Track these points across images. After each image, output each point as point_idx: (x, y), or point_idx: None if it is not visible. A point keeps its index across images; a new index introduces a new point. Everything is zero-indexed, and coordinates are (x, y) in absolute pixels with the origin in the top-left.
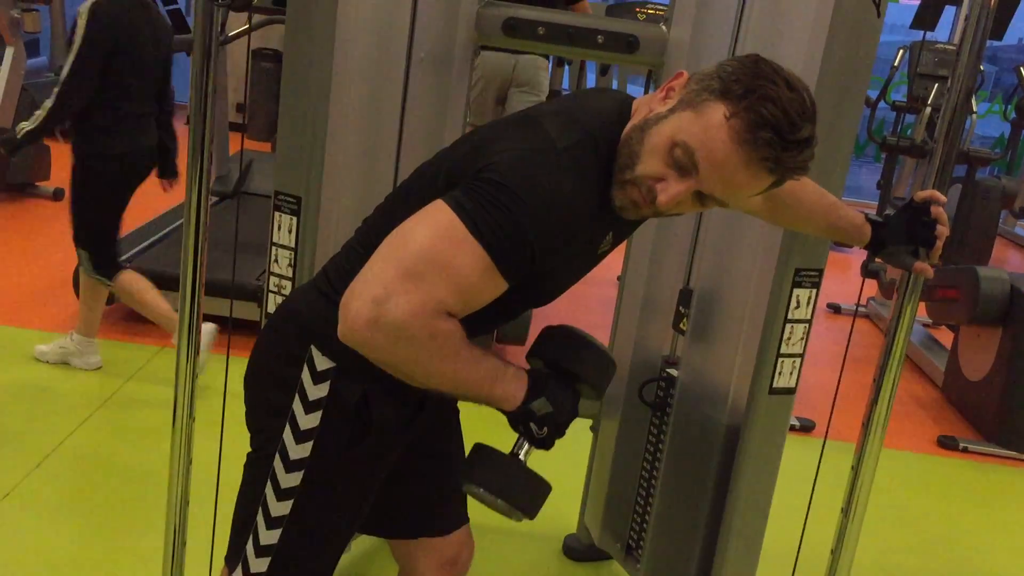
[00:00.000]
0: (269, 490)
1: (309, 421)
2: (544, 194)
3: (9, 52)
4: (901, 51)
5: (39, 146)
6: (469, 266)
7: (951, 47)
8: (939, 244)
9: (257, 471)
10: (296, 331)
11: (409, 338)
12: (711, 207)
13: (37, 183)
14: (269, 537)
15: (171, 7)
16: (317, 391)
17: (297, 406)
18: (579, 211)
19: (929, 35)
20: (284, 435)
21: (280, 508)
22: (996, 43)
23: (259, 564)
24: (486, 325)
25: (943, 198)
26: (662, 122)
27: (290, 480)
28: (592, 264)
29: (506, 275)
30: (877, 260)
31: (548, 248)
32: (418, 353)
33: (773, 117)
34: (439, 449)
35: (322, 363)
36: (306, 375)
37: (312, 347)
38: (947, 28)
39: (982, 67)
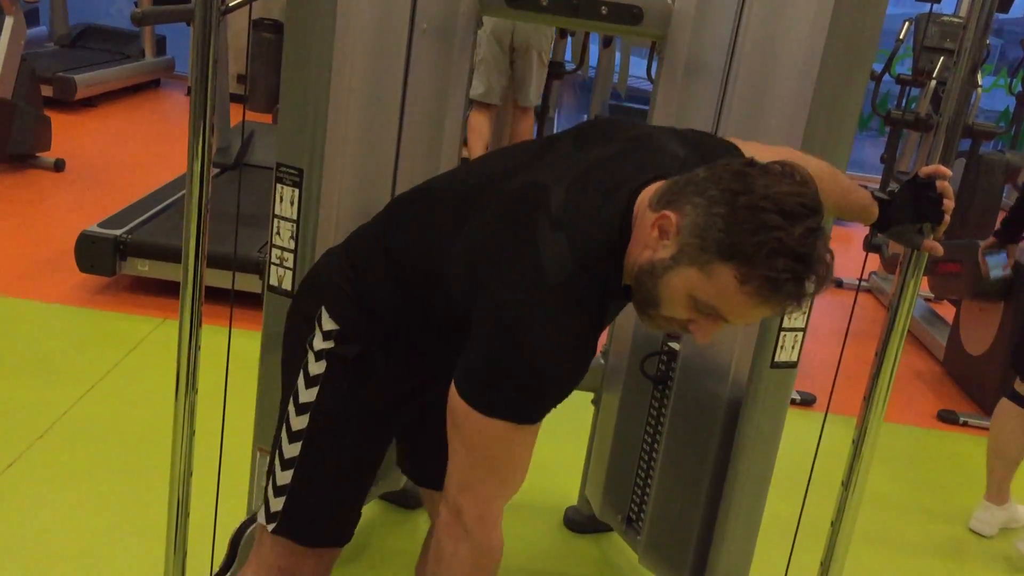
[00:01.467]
0: (283, 433)
1: (316, 368)
2: (539, 356)
3: (9, 22)
4: (907, 23)
5: (40, 117)
6: (509, 445)
7: (958, 20)
8: (947, 219)
9: (278, 418)
10: (313, 290)
11: (473, 538)
12: None
13: (38, 154)
14: (284, 478)
15: None
16: (323, 344)
17: (309, 354)
18: (586, 341)
19: (935, 7)
20: (298, 380)
21: (292, 450)
22: (1003, 16)
23: (276, 503)
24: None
25: (948, 172)
26: (669, 273)
27: (299, 423)
28: None
29: (539, 419)
30: (880, 235)
31: (570, 381)
32: (472, 560)
33: (787, 268)
34: None
35: (328, 324)
36: (316, 330)
37: (322, 307)
38: (953, 0)
39: (988, 40)
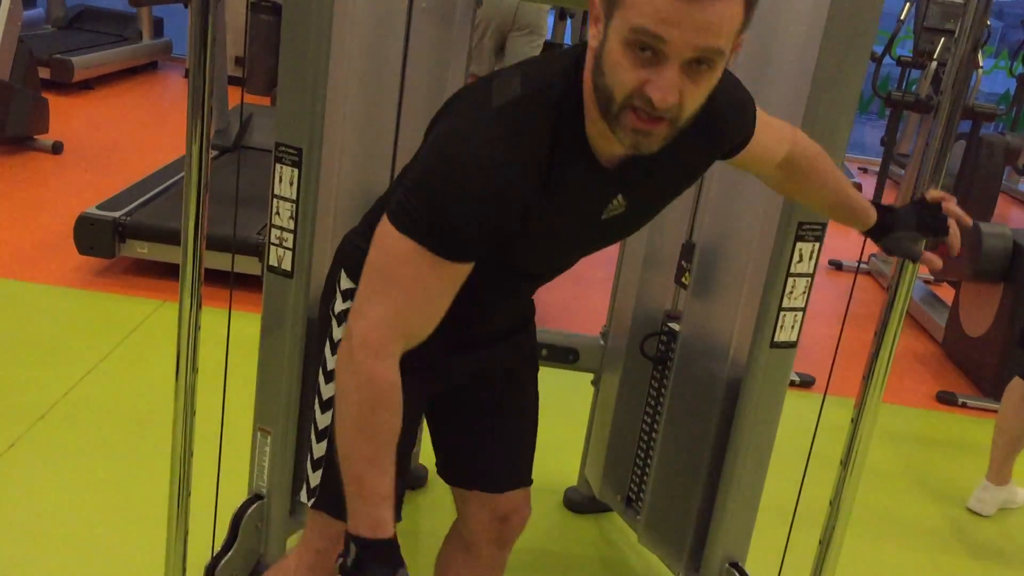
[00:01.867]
0: (316, 404)
1: (339, 333)
2: (461, 168)
3: (6, 3)
4: (907, 4)
5: (38, 99)
6: (412, 271)
7: (958, 0)
8: (955, 240)
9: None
10: (336, 259)
11: (350, 368)
12: (707, 73)
13: (36, 136)
14: (319, 450)
15: None
16: (343, 306)
17: (332, 321)
18: (521, 170)
19: None
20: (325, 348)
21: (324, 420)
22: None
23: (315, 477)
24: (494, 295)
25: (954, 199)
26: (606, 42)
27: (328, 391)
28: (603, 232)
29: (454, 257)
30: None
31: (486, 219)
32: (347, 392)
33: None
34: (500, 404)
35: (346, 283)
36: (336, 294)
37: (341, 269)
38: None
39: (989, 22)
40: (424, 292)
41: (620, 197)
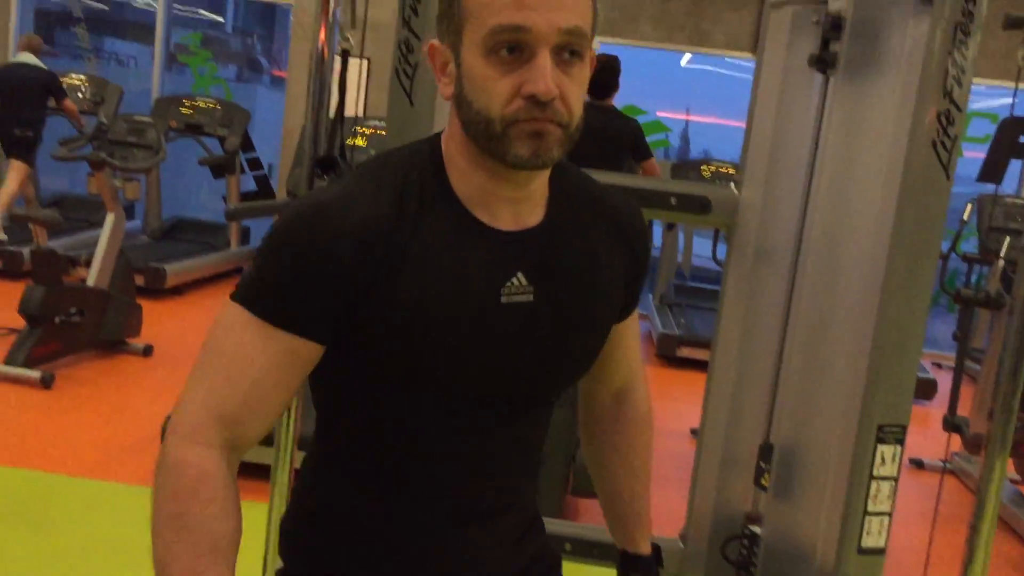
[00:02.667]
0: None
1: None
2: (294, 220)
3: (110, 218)
4: (969, 205)
5: (132, 305)
6: (234, 339)
7: (1020, 201)
8: None
9: None
10: None
11: (160, 459)
12: (578, 65)
13: (129, 340)
14: None
15: (258, 173)
16: None
17: None
18: (352, 224)
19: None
20: None
21: None
22: None
23: None
24: (442, 442)
25: None
26: (464, 69)
27: None
28: (516, 323)
29: (280, 322)
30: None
31: (316, 273)
32: (156, 488)
33: None
34: None
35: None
36: None
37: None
38: (1014, 180)
39: None
40: (244, 365)
41: (521, 276)
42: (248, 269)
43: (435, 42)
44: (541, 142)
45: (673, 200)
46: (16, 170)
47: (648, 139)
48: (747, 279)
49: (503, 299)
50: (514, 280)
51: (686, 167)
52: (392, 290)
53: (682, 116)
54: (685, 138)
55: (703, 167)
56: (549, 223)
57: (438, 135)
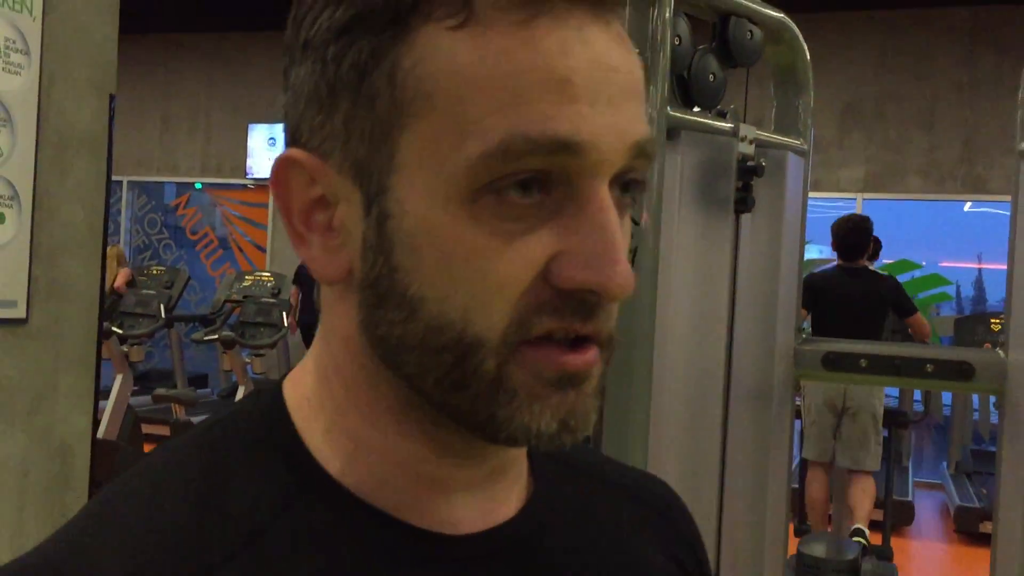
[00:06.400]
0: None
1: None
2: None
3: (119, 378)
4: None
5: (139, 454)
6: None
7: None
8: None
9: None
10: None
11: None
12: (629, 207)
13: None
14: None
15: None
16: None
17: None
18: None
19: None
20: None
21: None
22: None
23: None
24: None
25: None
26: (404, 225)
27: None
28: None
29: None
30: None
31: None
32: None
33: None
34: None
35: None
36: None
37: None
38: None
39: None
40: None
41: None
42: None
43: (298, 153)
44: (579, 397)
45: (930, 367)
46: None
47: (927, 293)
48: None
49: None
50: None
51: (972, 321)
52: None
53: (973, 264)
54: (979, 287)
55: (992, 320)
56: (538, 506)
57: (278, 384)
